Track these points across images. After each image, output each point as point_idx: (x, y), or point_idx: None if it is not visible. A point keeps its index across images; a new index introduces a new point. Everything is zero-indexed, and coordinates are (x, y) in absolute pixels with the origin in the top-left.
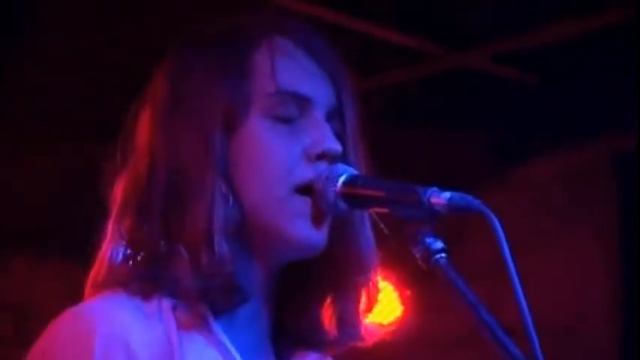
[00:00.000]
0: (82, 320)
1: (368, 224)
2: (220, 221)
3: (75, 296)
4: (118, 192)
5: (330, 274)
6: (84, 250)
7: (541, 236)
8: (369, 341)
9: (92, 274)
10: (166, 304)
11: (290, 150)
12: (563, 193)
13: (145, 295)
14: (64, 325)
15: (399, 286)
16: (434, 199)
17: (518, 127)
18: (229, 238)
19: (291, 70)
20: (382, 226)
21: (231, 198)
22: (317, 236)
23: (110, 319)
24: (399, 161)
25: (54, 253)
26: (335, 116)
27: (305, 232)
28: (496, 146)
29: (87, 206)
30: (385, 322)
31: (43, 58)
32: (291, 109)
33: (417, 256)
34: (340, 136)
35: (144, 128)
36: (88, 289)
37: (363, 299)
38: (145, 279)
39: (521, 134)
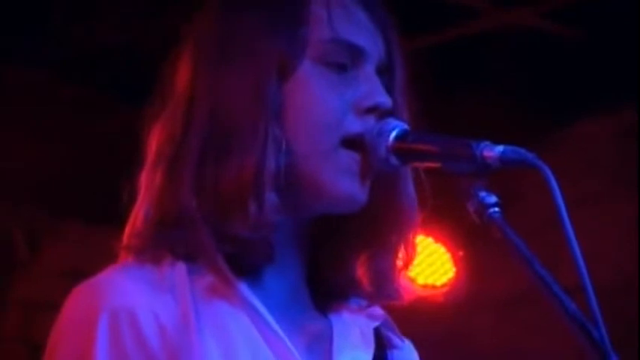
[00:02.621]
0: (87, 296)
1: (411, 182)
2: (272, 167)
3: None
4: (152, 144)
5: (368, 230)
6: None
7: (588, 197)
8: (405, 299)
9: (125, 233)
10: (180, 268)
11: (340, 99)
12: (611, 152)
13: (156, 262)
14: (71, 302)
15: (452, 248)
16: (487, 153)
17: (566, 85)
18: (278, 187)
19: (345, 21)
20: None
21: (284, 144)
22: (361, 193)
23: (116, 292)
24: (445, 121)
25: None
26: (384, 71)
27: (349, 188)
28: (543, 105)
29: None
30: (438, 284)
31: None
32: (344, 59)
33: (471, 210)
34: (389, 92)
35: (184, 73)
36: (120, 251)
37: (400, 256)
38: (160, 243)
39: (568, 92)
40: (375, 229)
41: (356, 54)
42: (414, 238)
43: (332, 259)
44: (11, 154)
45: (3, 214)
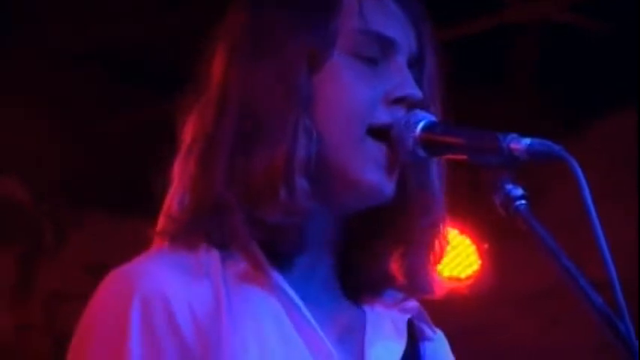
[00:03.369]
0: (120, 281)
1: (439, 174)
2: (302, 155)
3: None
4: (187, 133)
5: (398, 224)
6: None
7: (616, 190)
8: (438, 294)
9: (159, 220)
10: (214, 255)
11: (370, 90)
12: (637, 146)
13: (191, 249)
14: (104, 288)
15: (477, 240)
16: (514, 145)
17: (592, 78)
18: (308, 174)
19: (377, 11)
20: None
21: (314, 133)
22: (387, 184)
23: (149, 278)
24: (467, 114)
25: (133, 210)
26: (415, 63)
27: (375, 178)
28: (571, 98)
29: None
30: (462, 277)
31: None
32: (374, 50)
33: (497, 203)
34: (419, 84)
35: (217, 66)
36: (154, 237)
37: (432, 250)
38: (195, 230)
39: (595, 86)
40: (404, 223)
41: (387, 45)
42: (444, 231)
43: (364, 253)
44: (36, 145)
45: (29, 204)
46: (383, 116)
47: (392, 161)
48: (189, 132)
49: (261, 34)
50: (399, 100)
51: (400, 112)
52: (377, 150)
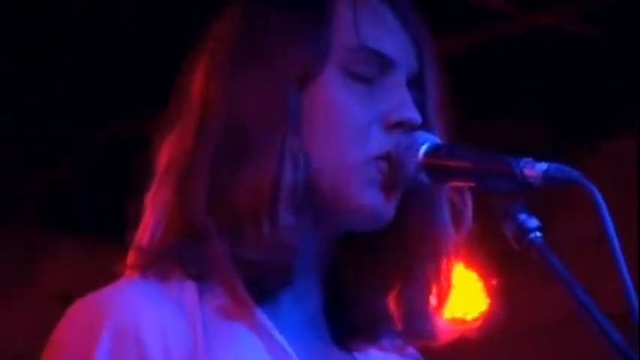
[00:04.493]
0: (88, 311)
1: (445, 203)
2: (289, 184)
3: None
4: (164, 155)
5: (397, 256)
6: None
7: (627, 215)
8: (442, 340)
9: (129, 252)
10: (190, 287)
11: (366, 112)
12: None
13: (164, 279)
14: (69, 318)
15: (485, 276)
16: (528, 171)
17: (600, 98)
18: (295, 205)
19: (374, 26)
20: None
21: (302, 157)
22: (385, 206)
23: (120, 308)
24: (475, 135)
25: (106, 237)
26: (415, 83)
27: (372, 200)
28: (576, 119)
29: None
30: (469, 318)
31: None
32: (371, 68)
33: (509, 234)
34: (419, 106)
35: (199, 79)
36: (125, 270)
37: (435, 290)
38: (168, 259)
39: (604, 106)
40: (403, 257)
41: (384, 63)
42: (449, 268)
43: (356, 289)
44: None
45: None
46: (383, 142)
47: (391, 183)
48: (165, 153)
49: (248, 43)
50: (397, 125)
51: (399, 135)
52: (376, 172)
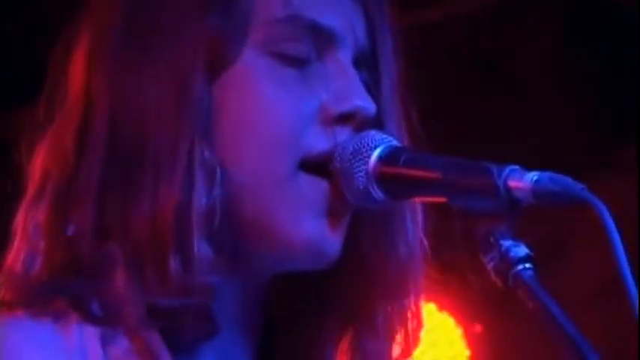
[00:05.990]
0: None
1: (411, 222)
2: (202, 206)
3: None
4: (36, 167)
5: (347, 297)
6: None
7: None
8: None
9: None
10: (91, 335)
11: (299, 104)
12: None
13: (60, 322)
14: None
15: (464, 320)
16: (513, 182)
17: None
18: (211, 232)
19: None
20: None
21: (218, 171)
22: (330, 239)
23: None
24: (457, 131)
25: None
26: (366, 62)
27: (313, 232)
28: (600, 122)
29: None
30: None
31: None
32: (304, 46)
33: (490, 266)
34: (372, 92)
35: (78, 70)
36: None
37: (398, 337)
38: (60, 296)
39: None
40: (356, 296)
41: (323, 38)
42: (416, 309)
43: (296, 339)
44: None
45: None
46: (320, 141)
47: (337, 204)
48: (38, 167)
49: (139, 22)
50: (342, 118)
51: (345, 133)
52: (313, 189)
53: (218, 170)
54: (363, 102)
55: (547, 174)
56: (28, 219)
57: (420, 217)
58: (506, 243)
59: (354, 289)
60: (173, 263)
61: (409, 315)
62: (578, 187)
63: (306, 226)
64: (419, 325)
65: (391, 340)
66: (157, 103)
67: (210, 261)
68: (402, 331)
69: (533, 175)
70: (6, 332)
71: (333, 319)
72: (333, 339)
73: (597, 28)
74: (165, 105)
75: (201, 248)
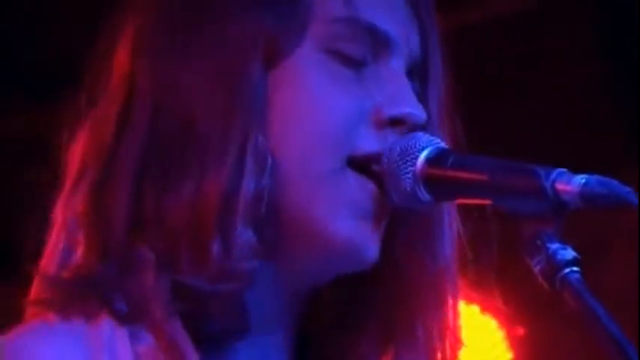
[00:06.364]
0: None
1: (451, 227)
2: (250, 193)
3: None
4: (75, 157)
5: (385, 304)
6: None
7: None
8: None
9: (34, 283)
10: (120, 332)
11: (352, 102)
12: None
13: (92, 322)
14: None
15: (507, 323)
16: (561, 185)
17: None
18: (255, 222)
19: None
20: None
21: (269, 159)
22: (370, 242)
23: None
24: (501, 135)
25: None
26: (417, 73)
27: (354, 232)
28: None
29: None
30: None
31: None
32: (361, 47)
33: (537, 269)
34: (422, 100)
35: (123, 54)
36: (28, 308)
37: (440, 349)
38: (92, 294)
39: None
40: (394, 303)
41: (380, 43)
42: (456, 318)
43: (335, 345)
44: None
45: None
46: (370, 142)
47: (379, 207)
48: (77, 155)
49: (193, 8)
50: (394, 122)
51: (393, 137)
52: (358, 189)
53: (269, 158)
54: (413, 108)
55: (595, 177)
56: (67, 210)
57: (456, 219)
58: (553, 246)
59: (391, 297)
60: (215, 247)
61: (450, 324)
62: (625, 190)
63: (347, 225)
64: (459, 336)
65: (431, 347)
66: (207, 90)
67: (252, 248)
68: (442, 342)
69: (581, 178)
70: (36, 338)
71: (371, 329)
72: (371, 352)
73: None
74: (216, 91)
75: (243, 234)
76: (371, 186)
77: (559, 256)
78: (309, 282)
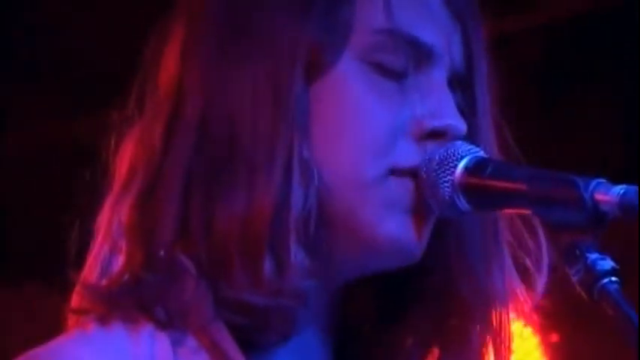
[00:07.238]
0: None
1: (498, 234)
2: (299, 207)
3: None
4: (122, 163)
5: (429, 305)
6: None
7: None
8: None
9: (75, 292)
10: (163, 341)
11: (394, 114)
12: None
13: (132, 330)
14: None
15: (542, 329)
16: (600, 195)
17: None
18: (307, 238)
19: (411, 6)
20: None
21: (315, 171)
22: (414, 237)
23: None
24: (545, 144)
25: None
26: (460, 84)
27: (397, 228)
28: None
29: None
30: None
31: None
32: (402, 59)
33: (575, 279)
34: (464, 112)
35: (171, 62)
36: (70, 316)
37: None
38: (129, 303)
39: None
40: (447, 307)
41: (421, 54)
42: (505, 319)
43: (377, 350)
44: None
45: None
46: (410, 154)
47: (422, 205)
48: (124, 161)
49: (238, 21)
50: (434, 134)
51: (432, 146)
52: (400, 187)
53: (315, 170)
54: (455, 121)
55: (633, 187)
56: (113, 216)
57: (501, 229)
58: (592, 256)
59: (442, 298)
60: (267, 266)
61: (497, 327)
62: None
63: (391, 222)
64: (507, 336)
65: (478, 352)
66: (253, 100)
67: (306, 267)
68: (490, 342)
69: (620, 189)
70: (76, 348)
71: (419, 325)
72: (416, 349)
73: None
74: (261, 103)
75: (297, 255)
76: (412, 185)
77: (598, 266)
78: (352, 280)
